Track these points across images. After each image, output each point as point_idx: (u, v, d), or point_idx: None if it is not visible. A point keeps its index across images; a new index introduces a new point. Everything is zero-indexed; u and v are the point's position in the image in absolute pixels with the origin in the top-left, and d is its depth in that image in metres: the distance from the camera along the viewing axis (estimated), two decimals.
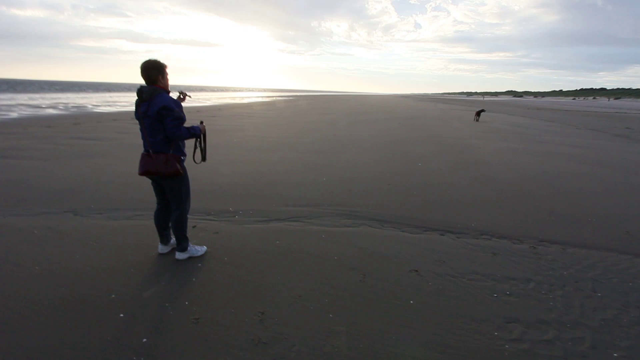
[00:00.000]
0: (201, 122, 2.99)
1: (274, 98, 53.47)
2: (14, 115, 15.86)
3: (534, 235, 3.83)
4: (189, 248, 3.05)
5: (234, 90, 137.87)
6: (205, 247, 3.19)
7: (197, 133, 2.86)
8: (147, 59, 2.70)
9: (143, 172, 2.76)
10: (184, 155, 2.88)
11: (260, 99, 46.47)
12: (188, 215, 3.05)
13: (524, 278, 2.93)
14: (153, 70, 2.66)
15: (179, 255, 3.04)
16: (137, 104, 2.72)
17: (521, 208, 4.73)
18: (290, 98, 55.24)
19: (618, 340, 2.22)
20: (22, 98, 29.82)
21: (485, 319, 2.38)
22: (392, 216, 4.27)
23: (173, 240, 3.19)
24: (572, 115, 27.47)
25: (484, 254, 3.36)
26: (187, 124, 2.79)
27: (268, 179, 5.82)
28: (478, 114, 18.50)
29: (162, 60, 2.71)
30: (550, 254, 3.40)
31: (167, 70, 2.75)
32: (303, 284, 2.75)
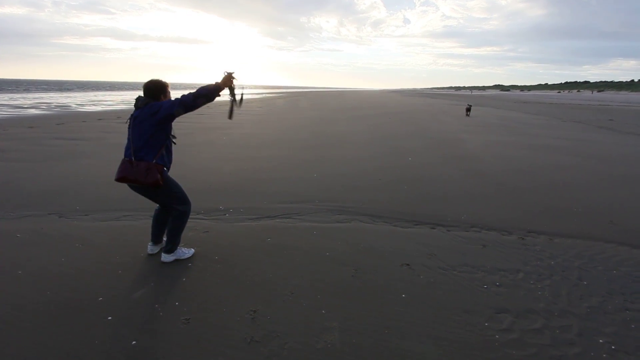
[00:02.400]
0: (229, 74, 2.66)
1: (263, 95, 53.03)
2: None
3: (522, 226, 3.90)
4: (176, 250, 2.97)
5: None
6: (193, 250, 3.09)
7: (211, 90, 2.58)
8: (149, 79, 2.75)
9: (120, 177, 2.64)
10: (167, 165, 2.77)
11: (248, 97, 46.02)
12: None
13: (513, 269, 2.98)
14: (156, 92, 2.71)
15: (165, 258, 2.92)
16: (133, 112, 2.72)
17: (510, 200, 4.80)
18: (280, 95, 54.85)
19: (603, 326, 2.28)
20: (3, 98, 28.85)
21: (476, 311, 2.41)
22: (383, 211, 4.29)
23: (182, 250, 3.12)
24: (557, 108, 28.02)
25: (474, 246, 3.40)
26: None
27: (258, 176, 5.77)
28: (468, 109, 18.50)
29: (163, 80, 2.78)
30: (538, 244, 3.47)
31: (169, 88, 2.82)
32: (295, 280, 2.73)
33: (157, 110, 2.59)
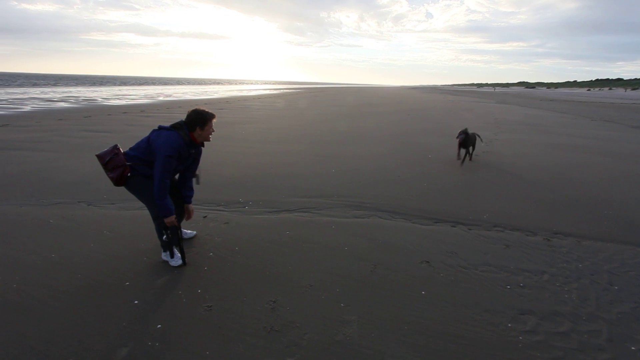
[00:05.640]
0: (174, 216, 2.65)
1: (281, 91, 53.28)
2: (27, 108, 16.12)
3: (547, 227, 3.76)
4: (164, 255, 2.86)
5: (242, 82, 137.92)
6: (180, 262, 2.80)
7: (167, 212, 2.60)
8: (197, 108, 2.74)
9: (103, 152, 2.67)
10: (142, 174, 2.71)
11: (267, 92, 46.38)
12: (196, 205, 2.92)
13: (537, 270, 2.88)
14: (192, 123, 2.70)
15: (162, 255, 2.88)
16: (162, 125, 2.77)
17: (534, 200, 4.64)
18: (298, 90, 54.94)
19: (636, 333, 2.18)
20: (35, 92, 30.30)
21: (498, 311, 2.36)
22: (402, 207, 4.24)
23: (183, 231, 3.21)
24: (586, 106, 26.76)
25: (497, 245, 3.31)
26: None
27: (277, 170, 5.82)
28: (463, 142, 6.56)
29: (208, 112, 2.74)
30: (565, 246, 3.34)
31: (214, 120, 2.78)
32: (314, 273, 2.75)
33: (156, 154, 2.60)
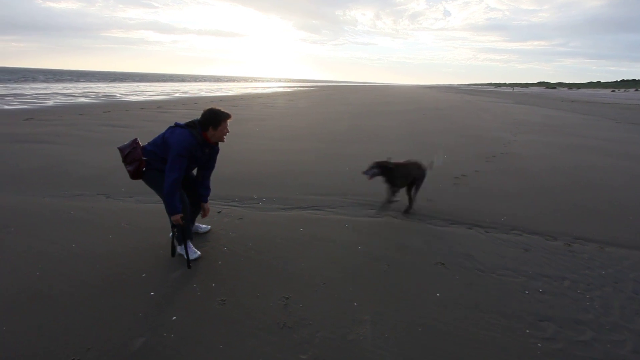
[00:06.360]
0: (181, 215, 2.65)
1: (296, 88, 53.38)
2: (50, 103, 16.68)
3: (568, 232, 3.64)
4: (180, 249, 2.83)
5: (257, 80, 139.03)
6: (198, 253, 2.84)
7: (174, 210, 2.61)
8: (212, 108, 2.73)
9: (124, 145, 2.76)
10: (157, 169, 2.76)
11: (282, 89, 46.53)
12: (211, 200, 2.93)
13: (558, 276, 2.79)
14: (205, 122, 2.70)
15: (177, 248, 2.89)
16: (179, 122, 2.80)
17: (554, 203, 4.50)
18: (312, 88, 54.93)
19: None
20: (57, 87, 31.33)
21: (516, 316, 2.29)
22: (416, 207, 4.17)
23: (197, 225, 3.25)
24: (611, 108, 25.79)
25: (515, 249, 3.22)
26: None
27: (290, 167, 5.83)
28: (388, 180, 3.93)
29: (223, 111, 2.71)
30: (587, 252, 3.22)
31: (229, 120, 2.75)
32: (327, 271, 2.74)
33: (169, 151, 2.63)
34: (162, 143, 2.73)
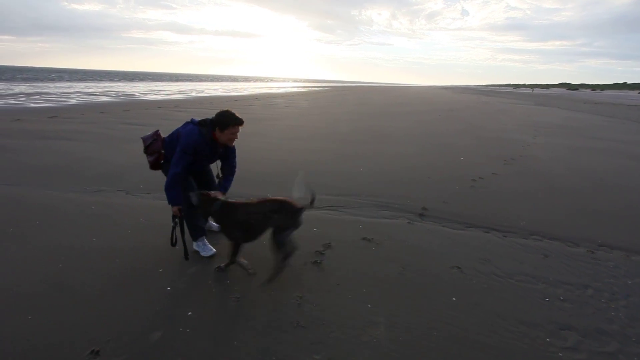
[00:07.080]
0: (179, 207, 2.66)
1: (311, 89, 53.49)
2: (73, 102, 17.27)
3: (591, 238, 3.51)
4: (196, 245, 2.91)
5: (272, 80, 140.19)
6: (214, 251, 2.88)
7: (171, 201, 2.67)
8: (226, 110, 2.71)
9: (146, 136, 2.92)
10: (167, 162, 2.84)
11: (297, 89, 46.72)
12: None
13: (580, 284, 2.70)
14: (216, 122, 2.69)
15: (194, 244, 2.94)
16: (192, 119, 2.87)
17: (575, 208, 4.35)
18: (327, 89, 54.95)
19: None
20: (80, 86, 32.41)
21: (535, 323, 2.22)
22: (431, 210, 4.11)
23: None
24: (636, 110, 24.75)
25: (534, 255, 3.13)
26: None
27: (304, 167, 5.84)
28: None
29: (235, 115, 2.67)
30: (612, 260, 3.10)
31: (240, 127, 2.73)
32: (340, 272, 2.73)
33: (177, 146, 2.71)
34: (177, 137, 2.80)
